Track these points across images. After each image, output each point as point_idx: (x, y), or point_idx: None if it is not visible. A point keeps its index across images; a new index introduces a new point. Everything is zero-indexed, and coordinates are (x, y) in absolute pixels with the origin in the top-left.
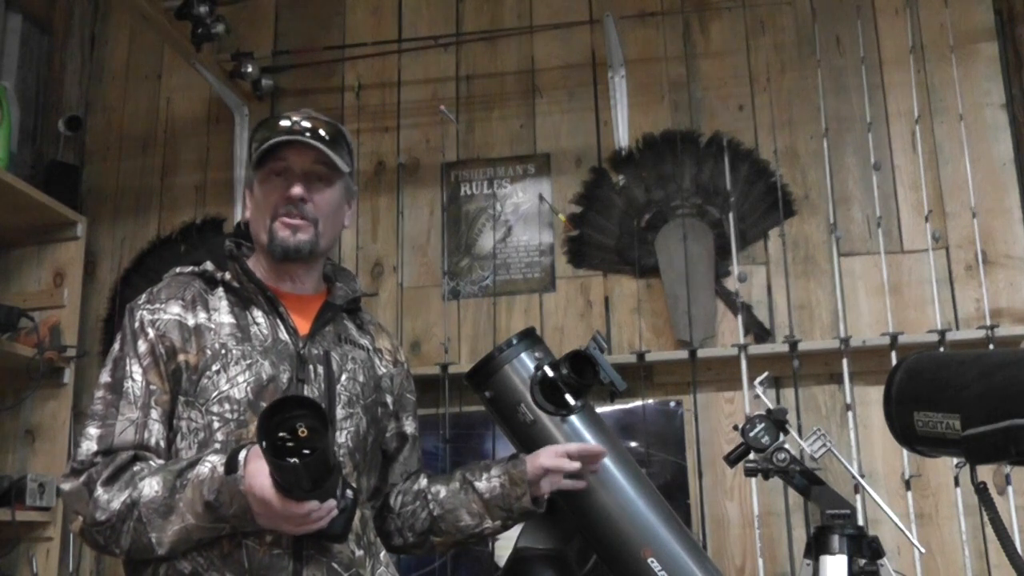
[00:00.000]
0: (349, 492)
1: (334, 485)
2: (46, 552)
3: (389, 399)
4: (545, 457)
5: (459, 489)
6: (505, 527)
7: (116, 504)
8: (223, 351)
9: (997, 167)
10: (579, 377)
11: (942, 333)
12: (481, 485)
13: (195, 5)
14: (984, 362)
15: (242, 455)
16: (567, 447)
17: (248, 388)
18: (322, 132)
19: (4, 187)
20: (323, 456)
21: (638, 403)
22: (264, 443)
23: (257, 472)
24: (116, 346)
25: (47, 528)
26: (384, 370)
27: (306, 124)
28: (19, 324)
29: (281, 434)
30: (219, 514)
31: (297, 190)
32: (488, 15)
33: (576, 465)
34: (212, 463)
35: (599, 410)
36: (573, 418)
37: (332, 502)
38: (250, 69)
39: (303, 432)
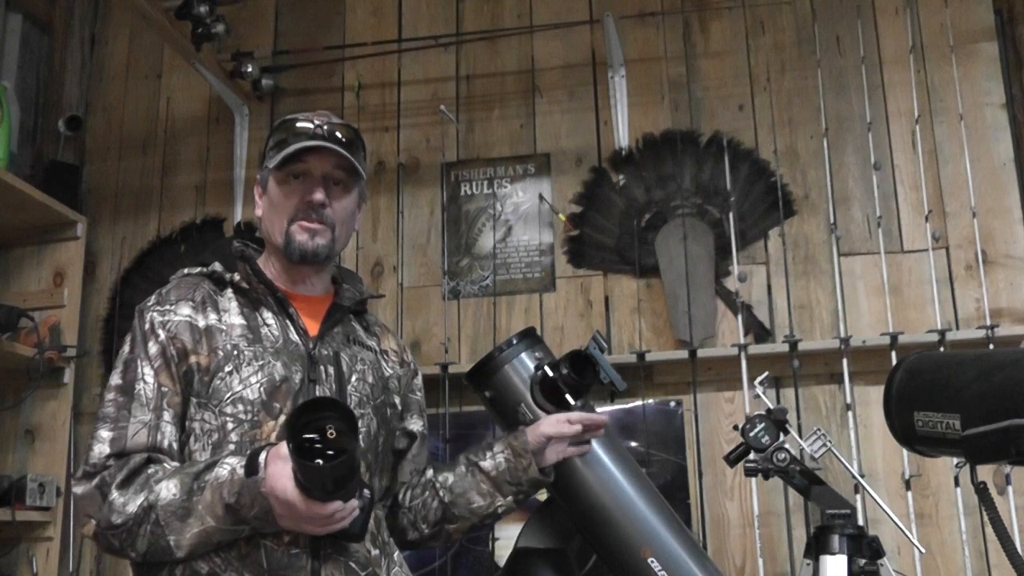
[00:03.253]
0: (366, 492)
1: (355, 486)
2: (46, 552)
3: (397, 400)
4: (547, 425)
5: (465, 472)
6: (517, 502)
7: (132, 507)
8: (235, 352)
9: (997, 167)
10: (579, 377)
11: (942, 333)
12: (486, 464)
13: (195, 5)
14: (984, 362)
15: (262, 457)
16: (568, 415)
17: (261, 389)
18: (340, 136)
19: (4, 187)
20: (350, 460)
21: (638, 403)
22: (292, 443)
23: (279, 474)
24: (126, 348)
25: (47, 528)
26: (391, 371)
27: (327, 128)
28: (19, 324)
29: (308, 435)
30: (240, 516)
31: (319, 195)
32: (488, 15)
33: (578, 428)
34: (231, 465)
35: (599, 410)
36: None
37: (355, 502)
38: (250, 69)
39: (332, 434)
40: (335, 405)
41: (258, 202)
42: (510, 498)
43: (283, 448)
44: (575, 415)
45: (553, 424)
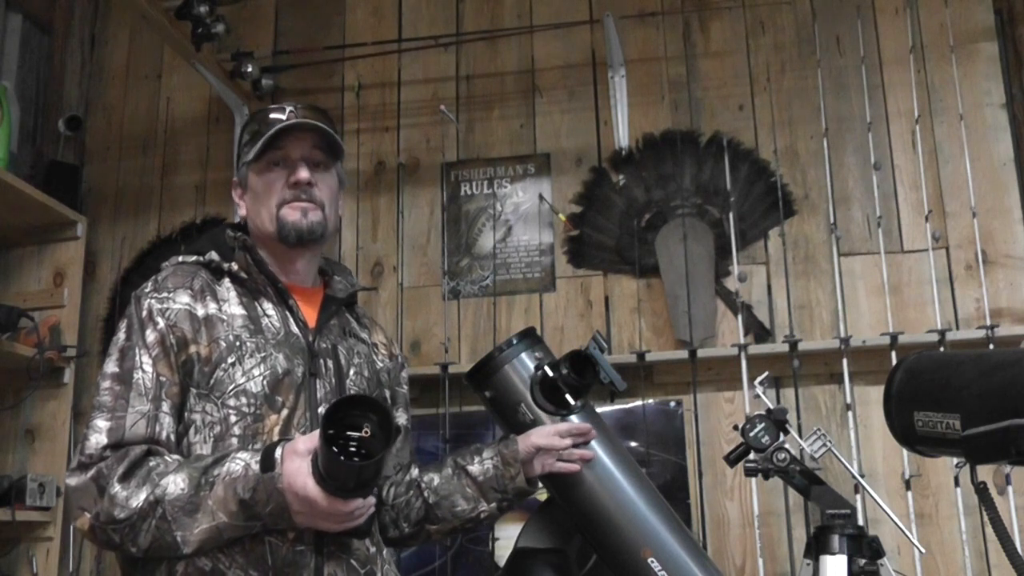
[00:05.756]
0: (374, 488)
1: (373, 485)
2: (46, 552)
3: (388, 393)
4: (537, 436)
5: (452, 475)
6: (500, 509)
7: (136, 502)
8: (237, 343)
9: (997, 167)
10: (579, 377)
11: (942, 333)
12: (474, 468)
13: (195, 5)
14: (984, 362)
15: (278, 452)
16: (558, 426)
17: (264, 381)
18: (312, 118)
19: (4, 187)
20: (379, 464)
21: (638, 403)
22: (327, 435)
23: (297, 471)
24: (122, 335)
25: (47, 528)
26: (382, 364)
27: (299, 112)
28: (19, 324)
29: (350, 433)
30: (253, 512)
31: (304, 174)
32: (488, 15)
33: (568, 443)
34: (243, 460)
35: (599, 410)
36: (573, 418)
37: (372, 499)
38: (250, 69)
39: (367, 432)
40: (375, 406)
41: (239, 203)
42: (494, 505)
43: (300, 444)
44: (563, 427)
45: (544, 436)
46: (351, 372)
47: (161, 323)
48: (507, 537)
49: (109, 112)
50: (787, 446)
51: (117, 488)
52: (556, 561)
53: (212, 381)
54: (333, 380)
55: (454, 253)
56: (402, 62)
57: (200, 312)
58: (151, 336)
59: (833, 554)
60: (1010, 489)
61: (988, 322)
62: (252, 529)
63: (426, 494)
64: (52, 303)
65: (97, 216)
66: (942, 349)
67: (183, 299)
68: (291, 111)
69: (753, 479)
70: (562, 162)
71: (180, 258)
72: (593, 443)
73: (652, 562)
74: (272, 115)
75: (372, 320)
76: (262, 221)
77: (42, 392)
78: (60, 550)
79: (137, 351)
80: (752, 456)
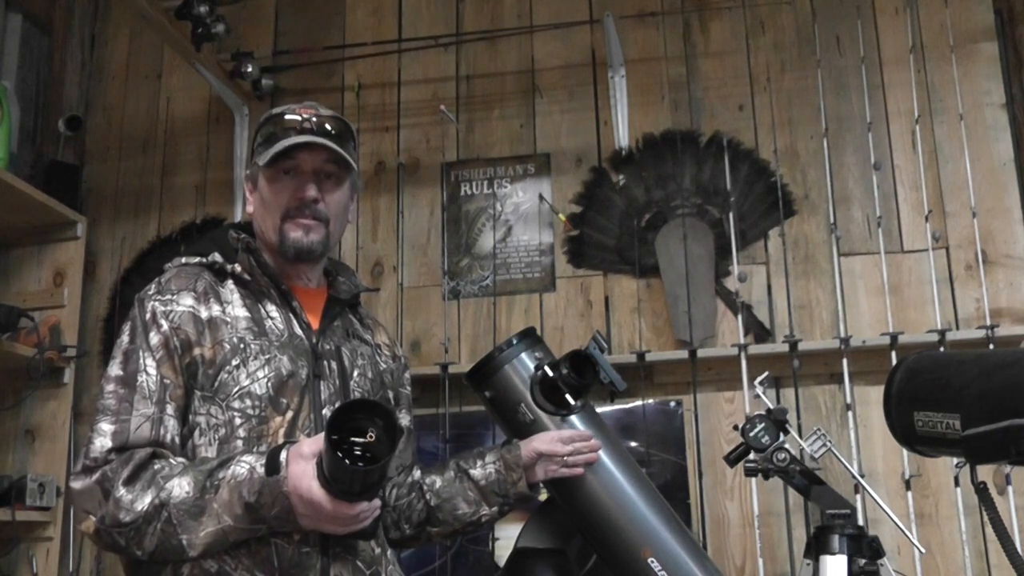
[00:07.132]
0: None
1: (379, 488)
2: (46, 552)
3: (391, 395)
4: (540, 442)
5: (454, 478)
6: (502, 513)
7: (141, 505)
8: (241, 345)
9: (997, 167)
10: (579, 377)
11: (942, 333)
12: (476, 472)
13: (195, 5)
14: (984, 362)
15: (283, 456)
16: (561, 433)
17: (269, 384)
18: (330, 128)
19: (4, 187)
20: (384, 468)
21: (638, 403)
22: (333, 438)
23: (302, 473)
24: (125, 338)
25: (47, 528)
26: (385, 365)
27: (315, 121)
28: (19, 324)
29: (355, 438)
30: (259, 515)
31: (311, 192)
32: (488, 15)
33: (570, 449)
34: (248, 463)
35: (599, 410)
36: (573, 418)
37: (377, 502)
38: (250, 69)
39: (371, 436)
40: (380, 410)
41: (249, 198)
42: (495, 508)
43: (304, 447)
44: (566, 434)
45: (547, 442)
46: (355, 373)
47: (165, 325)
48: (507, 537)
49: (109, 112)
50: (787, 446)
51: (122, 492)
52: (556, 561)
53: (216, 383)
54: (337, 382)
55: (454, 253)
56: (402, 62)
57: (204, 314)
58: (155, 339)
59: (833, 554)
60: (1010, 489)
61: (988, 322)
62: (257, 532)
63: (428, 496)
64: (52, 303)
65: (97, 216)
66: (942, 349)
67: (187, 301)
68: (307, 119)
69: (753, 479)
70: (562, 162)
71: (183, 259)
72: (588, 432)
73: (652, 562)
74: (288, 116)
75: (375, 321)
76: (266, 228)
77: (42, 392)
78: (60, 550)
79: (141, 354)
80: (752, 456)
